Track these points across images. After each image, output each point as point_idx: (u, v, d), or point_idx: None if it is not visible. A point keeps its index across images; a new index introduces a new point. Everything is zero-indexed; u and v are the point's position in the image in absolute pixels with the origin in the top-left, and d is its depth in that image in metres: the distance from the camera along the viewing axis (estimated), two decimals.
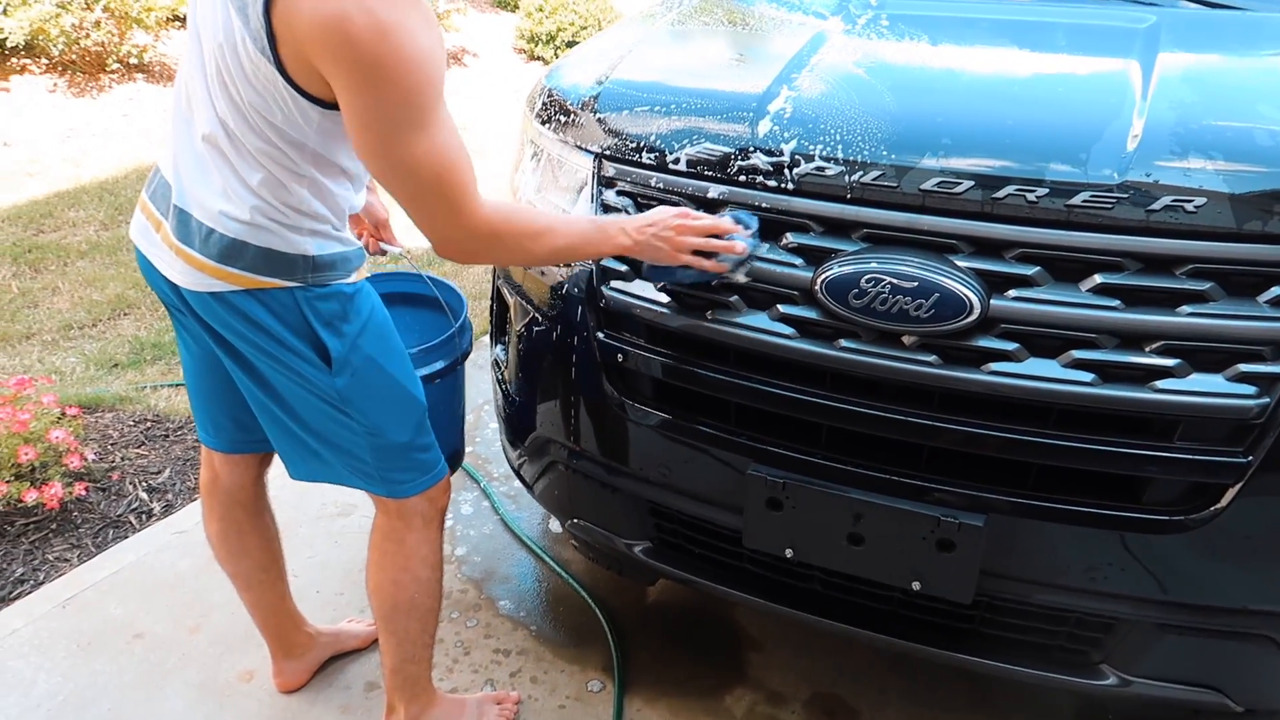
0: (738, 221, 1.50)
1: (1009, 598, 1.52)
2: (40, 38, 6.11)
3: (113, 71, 6.59)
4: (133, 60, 6.63)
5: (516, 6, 9.60)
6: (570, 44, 8.35)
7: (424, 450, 1.65)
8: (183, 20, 7.43)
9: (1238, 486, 1.33)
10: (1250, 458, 1.32)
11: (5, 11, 6.06)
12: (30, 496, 2.41)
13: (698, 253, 1.50)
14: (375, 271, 2.02)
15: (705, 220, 1.50)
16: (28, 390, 2.64)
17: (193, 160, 1.42)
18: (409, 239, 1.96)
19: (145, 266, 1.55)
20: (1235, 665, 1.48)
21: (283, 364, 1.50)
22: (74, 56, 6.41)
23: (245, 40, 1.27)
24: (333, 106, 1.31)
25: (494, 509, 2.62)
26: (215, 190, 1.40)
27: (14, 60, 6.42)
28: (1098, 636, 1.52)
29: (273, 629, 2.00)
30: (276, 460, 1.79)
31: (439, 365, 1.88)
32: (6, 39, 6.06)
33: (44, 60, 6.50)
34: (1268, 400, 1.30)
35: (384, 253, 1.97)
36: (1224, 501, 1.34)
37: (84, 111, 6.16)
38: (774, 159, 1.49)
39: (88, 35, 6.22)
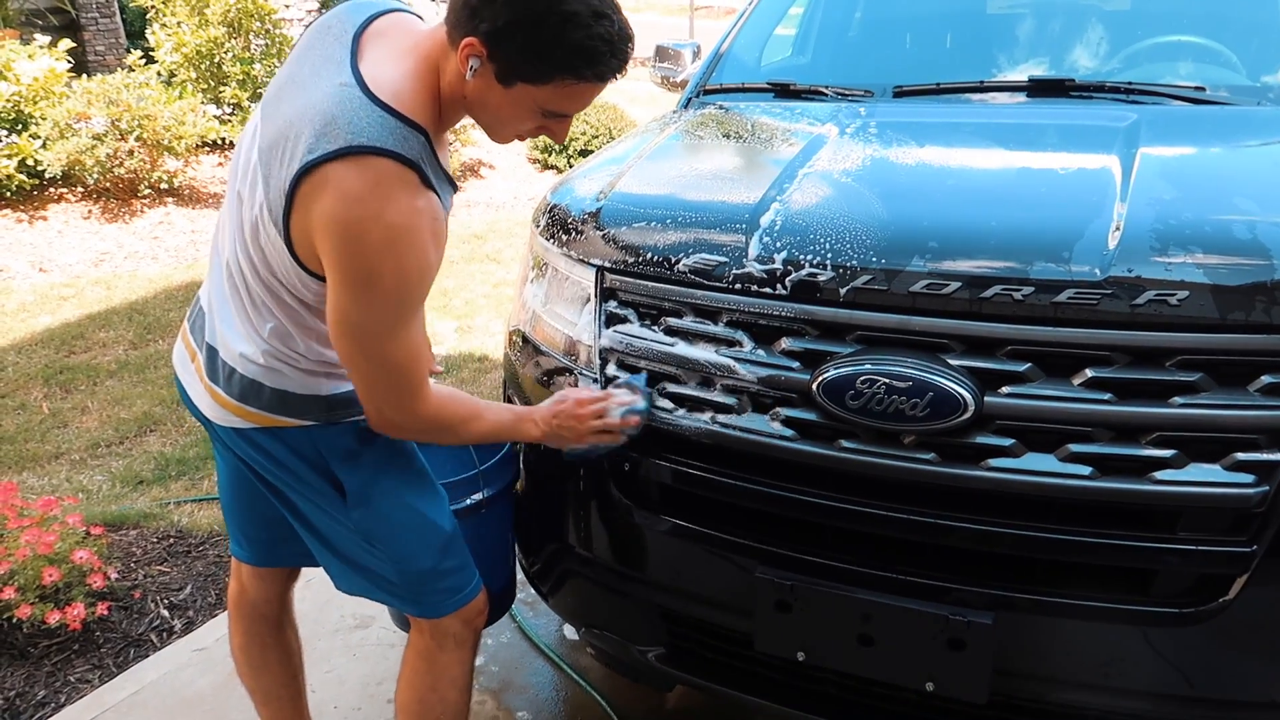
0: (627, 385, 1.62)
1: (1025, 697, 1.50)
2: (76, 168, 6.40)
3: (144, 196, 6.86)
4: (163, 185, 6.90)
5: None
6: (583, 153, 8.60)
7: (453, 573, 1.64)
8: (211, 146, 7.77)
9: (1245, 576, 1.32)
10: (1255, 547, 1.32)
11: (45, 145, 6.37)
12: (54, 618, 2.43)
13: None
14: None
15: (598, 403, 1.58)
16: (54, 511, 2.69)
17: (220, 298, 1.49)
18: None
19: (182, 392, 1.61)
20: None
21: (306, 496, 1.54)
22: (108, 184, 6.69)
23: (264, 208, 1.33)
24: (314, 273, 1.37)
25: (511, 616, 2.61)
26: (238, 332, 1.46)
27: (52, 190, 6.71)
28: None
29: None
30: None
31: (478, 497, 1.83)
32: (45, 170, 6.34)
33: (79, 189, 6.78)
34: (1267, 488, 1.31)
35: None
36: (1232, 593, 1.33)
37: (116, 235, 6.39)
38: (768, 267, 1.55)
39: (121, 164, 6.50)
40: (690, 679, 1.80)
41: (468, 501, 1.81)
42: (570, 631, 2.53)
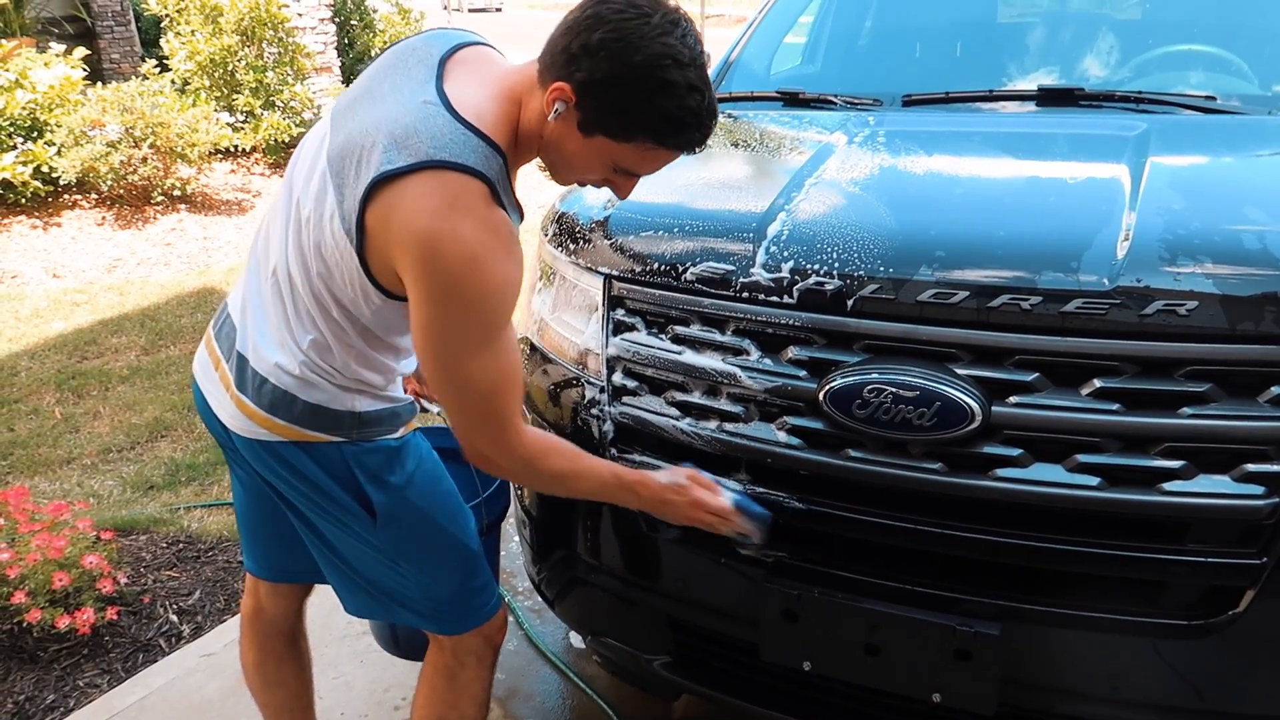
0: (751, 515, 1.51)
1: (1034, 709, 1.49)
2: (90, 175, 6.45)
3: (157, 203, 6.90)
4: (176, 192, 6.95)
5: None
6: None
7: (478, 592, 1.63)
8: (224, 153, 7.82)
9: (1255, 589, 1.31)
10: (1265, 559, 1.31)
11: (60, 152, 6.42)
12: (64, 622, 2.44)
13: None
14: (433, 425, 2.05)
15: (713, 517, 1.50)
16: (64, 515, 2.70)
17: (258, 306, 1.47)
18: None
19: (200, 402, 1.58)
20: None
21: (329, 514, 1.52)
22: (121, 191, 6.74)
23: (335, 216, 1.32)
24: (396, 298, 1.35)
25: (518, 624, 2.61)
26: (272, 341, 1.44)
27: (66, 196, 6.77)
28: None
29: None
30: None
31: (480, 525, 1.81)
32: (59, 177, 6.39)
33: (93, 196, 6.83)
34: (1277, 500, 1.30)
35: (426, 409, 1.97)
36: (1242, 605, 1.32)
37: (129, 242, 6.43)
38: (775, 275, 1.55)
39: (135, 171, 6.55)
40: (696, 688, 1.79)
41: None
42: (577, 640, 2.53)
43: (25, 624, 2.43)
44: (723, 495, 1.51)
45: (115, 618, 2.56)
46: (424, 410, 1.97)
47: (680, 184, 2.01)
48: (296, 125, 8.19)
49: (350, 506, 1.50)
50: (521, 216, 1.39)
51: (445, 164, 1.24)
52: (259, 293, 1.47)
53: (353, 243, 1.31)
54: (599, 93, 1.25)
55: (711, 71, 2.82)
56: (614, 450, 1.70)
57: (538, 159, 1.42)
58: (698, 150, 1.35)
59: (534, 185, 8.80)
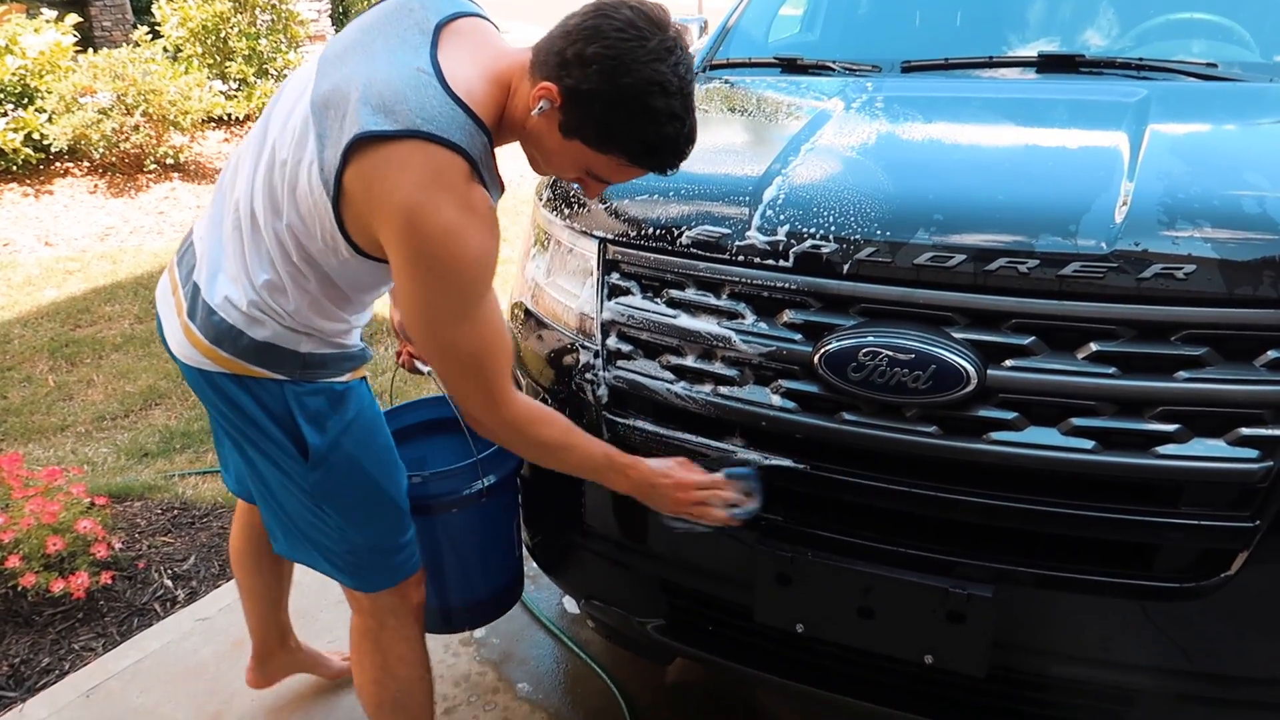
0: (741, 479, 1.52)
1: (1025, 670, 1.50)
2: (82, 142, 6.39)
3: (150, 171, 6.85)
4: (169, 160, 6.89)
5: None
6: None
7: (398, 550, 1.65)
8: (217, 121, 7.75)
9: (1247, 552, 1.32)
10: (1258, 522, 1.31)
11: (51, 119, 6.36)
12: (58, 586, 2.44)
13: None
14: (410, 401, 2.10)
15: (703, 491, 1.51)
16: (58, 481, 2.70)
17: (217, 238, 1.48)
18: None
19: (159, 328, 1.61)
20: None
21: (262, 450, 1.53)
22: (114, 159, 6.69)
23: (314, 165, 1.33)
24: (366, 255, 1.38)
25: None
26: (226, 274, 1.46)
27: (57, 165, 6.71)
28: (1118, 709, 1.48)
29: (260, 636, 2.12)
30: None
31: (480, 486, 1.80)
32: (51, 144, 6.34)
33: (85, 163, 6.78)
34: (1271, 464, 1.30)
35: (419, 370, 1.99)
36: (1234, 568, 1.33)
37: (122, 210, 6.39)
38: (771, 239, 1.54)
39: (127, 139, 6.49)
40: (690, 651, 1.80)
41: (466, 491, 1.79)
42: (571, 605, 2.54)
43: (20, 588, 2.43)
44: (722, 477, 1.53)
45: (110, 582, 2.56)
46: (415, 371, 1.97)
47: None
48: None
49: (284, 445, 1.51)
50: (502, 191, 1.42)
51: (431, 137, 1.26)
52: (220, 224, 1.48)
53: (329, 195, 1.32)
54: (584, 103, 1.28)
55: (709, 38, 2.81)
56: (608, 414, 1.70)
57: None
58: (670, 173, 1.39)
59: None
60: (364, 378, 1.62)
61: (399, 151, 1.27)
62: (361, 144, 1.27)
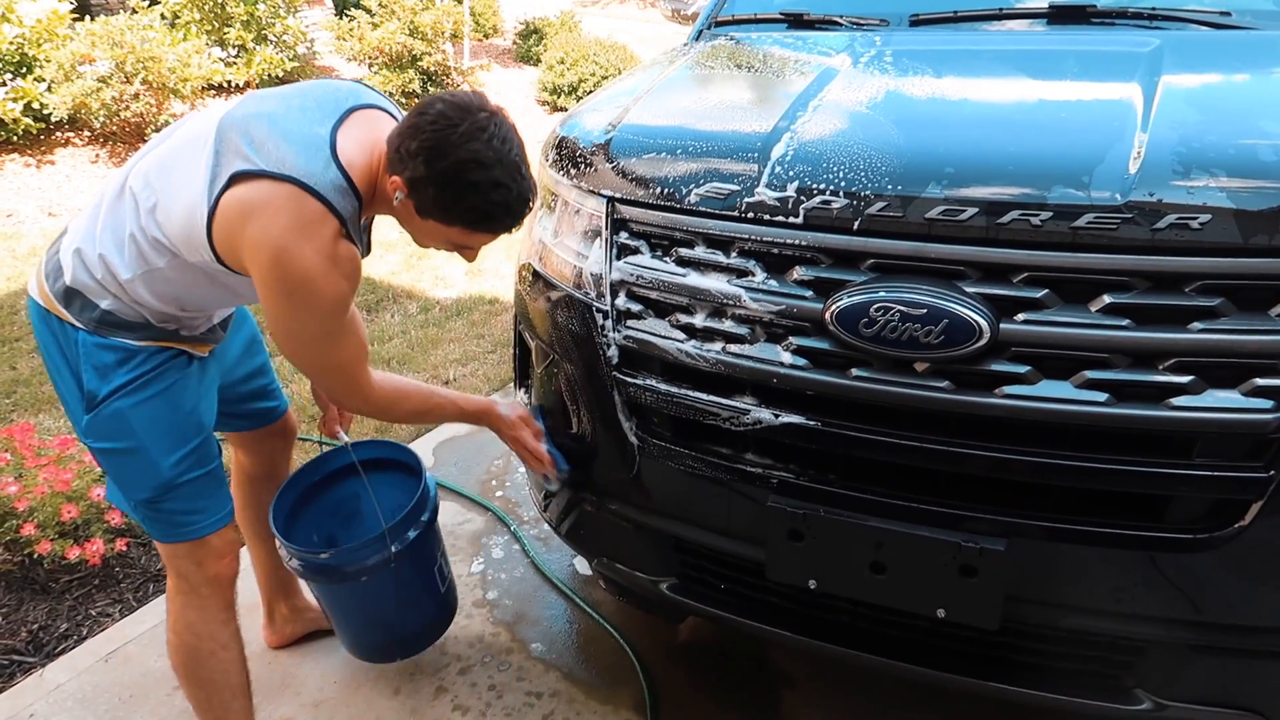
0: (551, 455, 1.90)
1: (1037, 623, 1.50)
2: (83, 112, 6.35)
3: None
4: None
5: (538, 61, 9.80)
6: None
7: (175, 514, 1.70)
8: (217, 89, 7.69)
9: (1261, 502, 1.32)
10: (1272, 472, 1.31)
11: (50, 88, 6.31)
12: (74, 553, 2.47)
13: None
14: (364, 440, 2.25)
15: (533, 449, 1.90)
16: (70, 450, 2.71)
17: (98, 201, 1.62)
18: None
19: None
20: (1273, 686, 1.45)
21: (61, 388, 1.66)
22: (114, 128, 6.64)
23: (207, 181, 1.48)
24: (231, 270, 1.54)
25: (524, 552, 2.64)
26: (83, 229, 1.60)
27: (58, 134, 6.67)
28: (1130, 660, 1.49)
29: (266, 596, 2.26)
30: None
31: (389, 553, 1.90)
32: (51, 114, 6.30)
33: (86, 133, 6.74)
34: None
35: (339, 437, 2.09)
36: (1248, 518, 1.33)
37: None
38: (781, 195, 1.52)
39: (127, 107, 6.45)
40: (702, 609, 1.81)
41: (375, 559, 1.90)
42: (582, 565, 2.56)
43: (36, 555, 2.45)
44: (542, 443, 1.90)
45: (125, 549, 2.58)
46: (335, 437, 2.10)
47: (683, 106, 1.98)
48: (290, 60, 8.05)
49: (72, 388, 1.64)
50: (368, 250, 1.67)
51: (307, 188, 1.46)
52: (106, 191, 1.61)
53: (205, 209, 1.47)
54: (421, 189, 1.49)
55: None
56: (618, 374, 1.70)
57: None
58: (514, 231, 1.60)
59: (532, 121, 8.70)
60: (190, 357, 1.70)
61: (277, 194, 1.45)
62: (246, 177, 1.45)
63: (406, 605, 2.02)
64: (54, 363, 1.65)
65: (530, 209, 1.57)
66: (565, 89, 9.00)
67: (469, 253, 1.64)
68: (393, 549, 1.90)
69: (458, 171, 1.46)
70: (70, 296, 1.59)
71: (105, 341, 1.60)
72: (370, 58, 8.33)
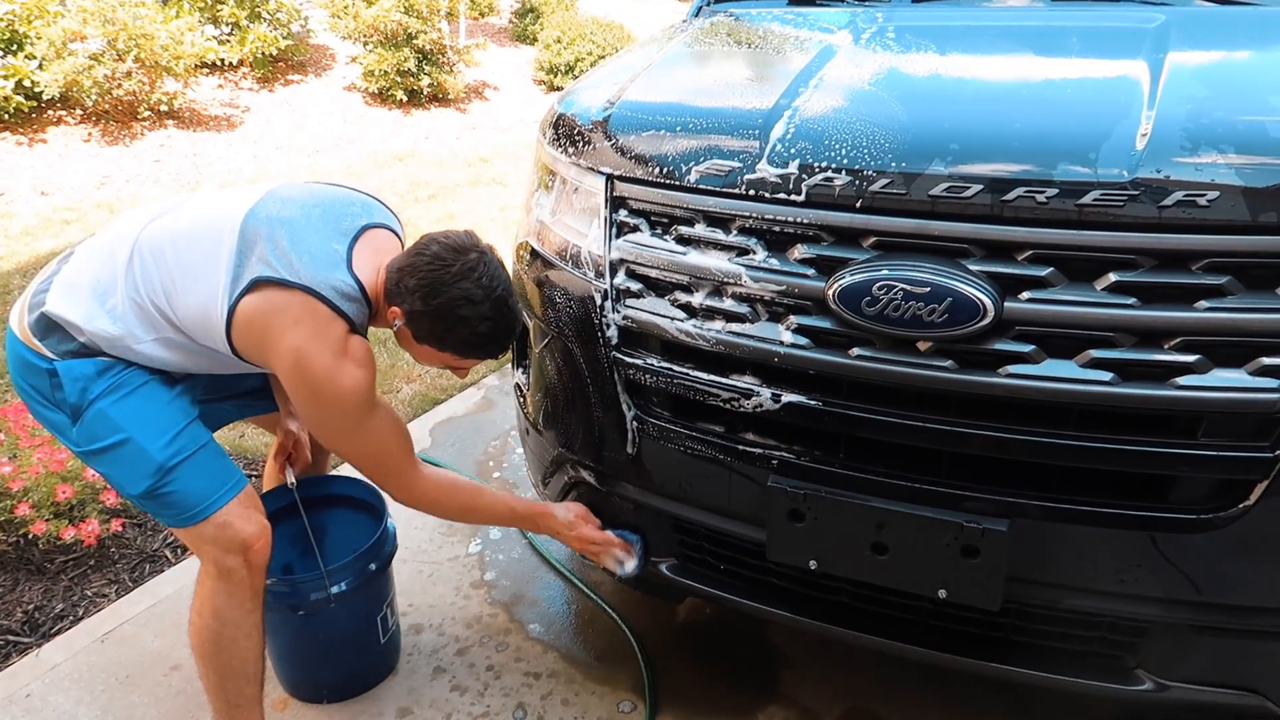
0: (624, 541, 1.87)
1: (1039, 604, 1.50)
2: (74, 89, 6.29)
3: (144, 119, 6.76)
4: (163, 107, 6.80)
5: (535, 40, 9.73)
6: None
7: (182, 494, 1.71)
8: (211, 67, 7.63)
9: (1266, 482, 1.31)
10: (1277, 452, 1.30)
11: (41, 66, 6.25)
12: (69, 534, 2.45)
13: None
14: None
15: (593, 546, 1.89)
16: None
17: (90, 260, 1.70)
18: None
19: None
20: (1275, 666, 1.45)
21: (43, 418, 1.72)
22: (107, 106, 6.59)
23: (227, 279, 1.60)
24: (240, 358, 1.67)
25: (522, 533, 2.63)
26: (70, 281, 1.68)
27: (50, 112, 6.62)
28: (1132, 641, 1.49)
29: None
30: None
31: (330, 593, 1.92)
32: (42, 92, 6.24)
33: (78, 111, 6.68)
34: None
35: (289, 481, 2.10)
36: (1253, 498, 1.32)
37: (117, 158, 6.32)
38: (782, 172, 1.50)
39: (119, 85, 6.39)
40: (701, 590, 1.81)
41: (313, 597, 1.92)
42: None
43: (31, 536, 2.44)
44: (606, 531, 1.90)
45: (120, 530, 2.57)
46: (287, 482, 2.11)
47: (683, 82, 1.96)
48: (284, 38, 7.97)
49: (56, 414, 1.69)
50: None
51: (324, 299, 1.60)
52: (97, 248, 1.71)
53: (225, 309, 1.61)
54: (417, 320, 1.68)
55: None
56: (617, 353, 1.68)
57: None
58: (500, 356, 1.78)
59: (528, 100, 8.64)
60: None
61: (293, 301, 1.59)
62: (266, 283, 1.59)
63: (337, 649, 2.03)
64: (33, 401, 1.71)
65: (515, 337, 1.77)
66: (562, 68, 8.94)
67: (461, 371, 1.84)
68: (332, 590, 1.92)
69: (450, 308, 1.65)
70: (49, 327, 1.66)
71: (82, 362, 1.66)
72: (365, 36, 8.26)
